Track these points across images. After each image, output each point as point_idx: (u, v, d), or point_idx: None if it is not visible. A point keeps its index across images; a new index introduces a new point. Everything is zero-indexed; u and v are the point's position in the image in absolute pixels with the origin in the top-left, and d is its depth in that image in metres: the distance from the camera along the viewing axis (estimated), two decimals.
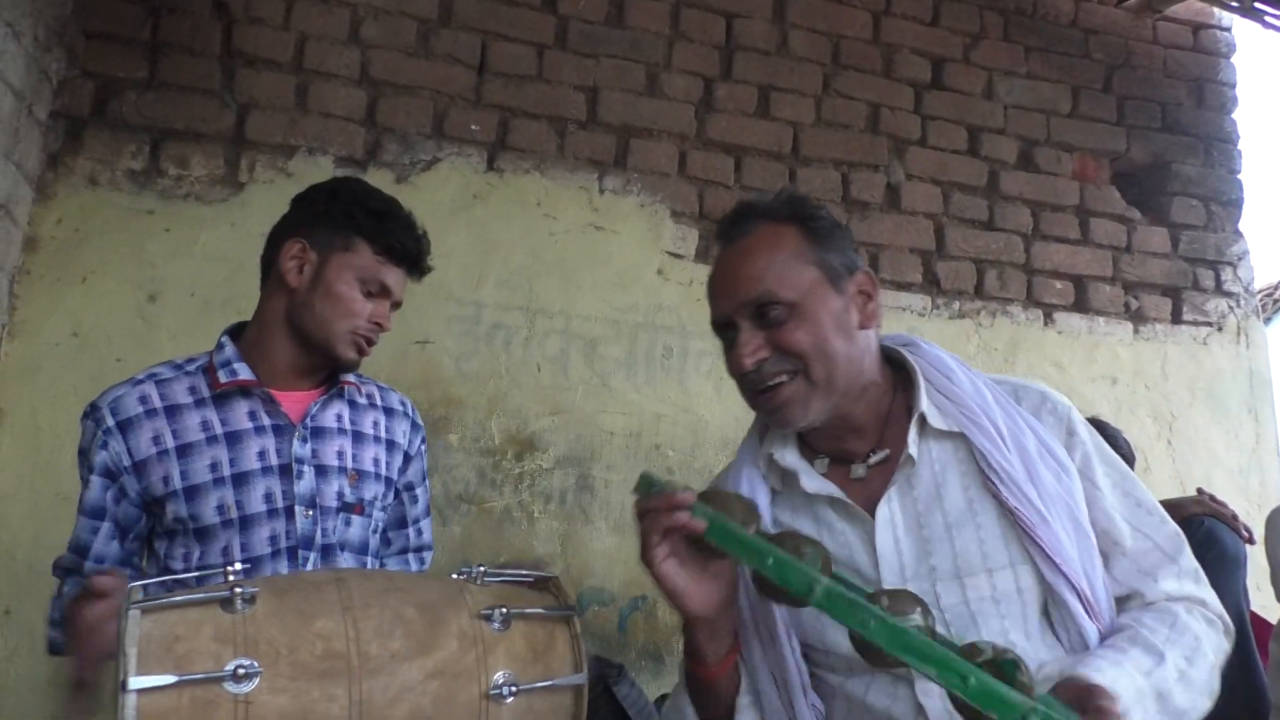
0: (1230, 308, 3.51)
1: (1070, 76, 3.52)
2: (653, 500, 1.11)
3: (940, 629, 1.10)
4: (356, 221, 1.61)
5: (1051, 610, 1.16)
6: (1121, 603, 1.20)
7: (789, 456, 1.28)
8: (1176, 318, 3.45)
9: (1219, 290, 3.51)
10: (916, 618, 1.02)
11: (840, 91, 3.27)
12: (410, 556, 1.82)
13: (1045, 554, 1.14)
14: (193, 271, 2.64)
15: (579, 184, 2.98)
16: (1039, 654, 1.13)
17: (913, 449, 1.21)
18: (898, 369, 1.30)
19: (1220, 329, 3.49)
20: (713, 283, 1.30)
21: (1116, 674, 1.06)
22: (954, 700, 0.97)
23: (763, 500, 1.28)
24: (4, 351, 2.49)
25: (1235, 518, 2.44)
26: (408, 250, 1.64)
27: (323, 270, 1.61)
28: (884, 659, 1.01)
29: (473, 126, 2.92)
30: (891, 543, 1.19)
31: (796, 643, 1.21)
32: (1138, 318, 3.42)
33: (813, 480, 1.25)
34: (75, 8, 2.66)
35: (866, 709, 1.18)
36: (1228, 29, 3.77)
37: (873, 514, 1.21)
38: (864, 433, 1.26)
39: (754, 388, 1.22)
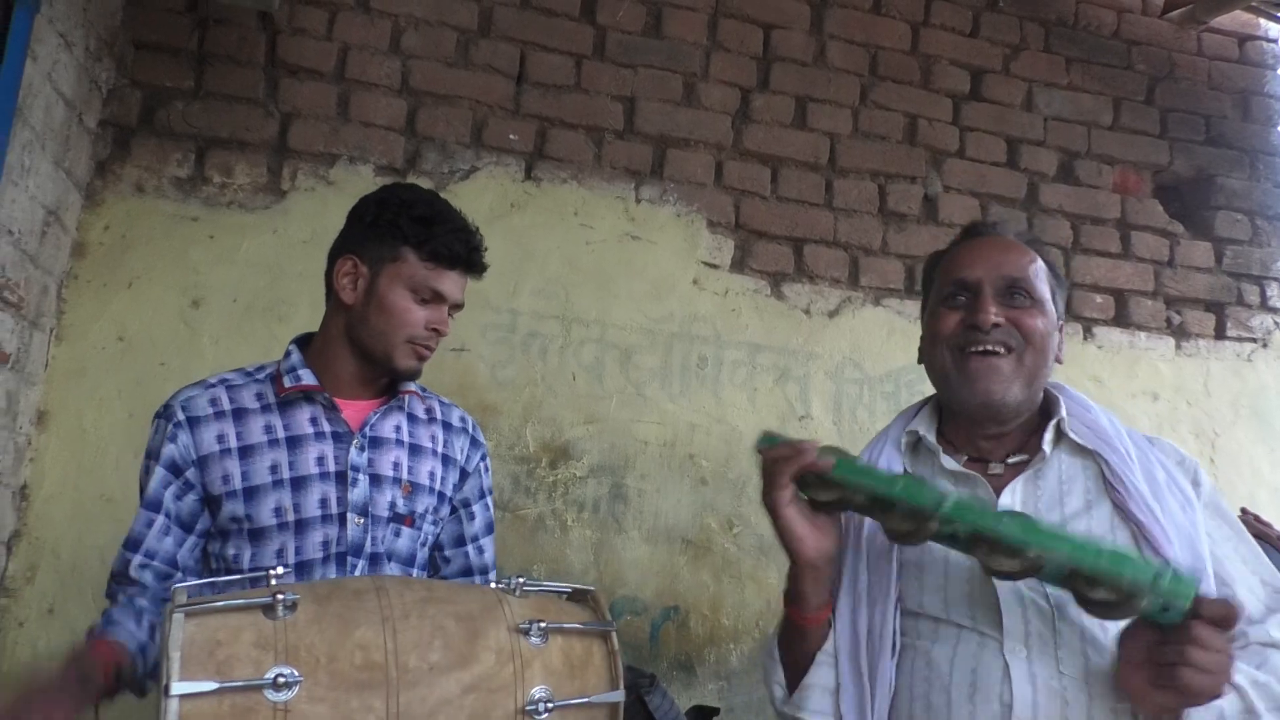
0: (1276, 323, 3.45)
1: (1112, 88, 3.48)
2: (780, 448, 1.22)
3: (1039, 599, 1.20)
4: (401, 231, 1.62)
5: None
6: None
7: (932, 437, 1.39)
8: (1220, 333, 3.40)
9: (1264, 306, 3.45)
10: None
11: (878, 102, 3.26)
12: (476, 578, 1.79)
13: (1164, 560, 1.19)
14: (235, 278, 2.68)
15: (616, 194, 2.99)
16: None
17: (1047, 447, 1.31)
18: (1042, 406, 1.40)
19: (1265, 345, 3.43)
20: (962, 253, 1.42)
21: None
22: (1074, 584, 1.07)
23: (896, 469, 1.37)
24: (51, 354, 2.54)
25: None
26: (455, 253, 1.65)
27: (375, 284, 1.62)
28: (1011, 566, 1.09)
29: (511, 136, 2.94)
30: None
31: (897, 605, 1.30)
32: (1180, 333, 3.37)
33: (950, 460, 1.35)
34: (125, 19, 2.71)
35: (952, 670, 1.23)
36: (1274, 41, 3.70)
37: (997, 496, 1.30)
38: (1007, 441, 1.36)
39: (972, 347, 1.33)
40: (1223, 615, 1.04)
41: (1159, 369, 3.32)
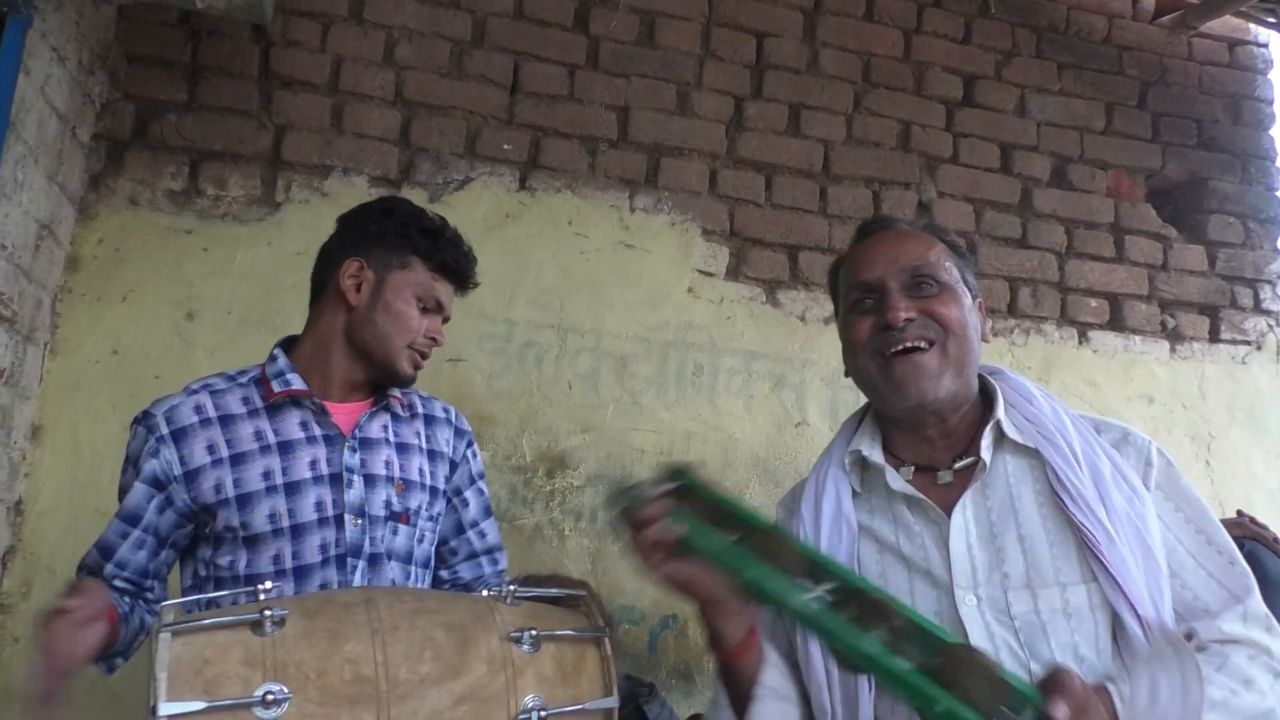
0: (1270, 326, 3.46)
1: (1104, 93, 3.49)
2: (631, 517, 1.13)
3: (1010, 638, 1.14)
4: (411, 240, 1.68)
5: (1116, 631, 1.15)
6: None
7: (876, 455, 1.32)
8: (1214, 336, 3.40)
9: (1257, 309, 3.46)
10: (878, 634, 1.03)
11: (871, 109, 3.26)
12: (483, 560, 1.84)
13: (1108, 573, 1.15)
14: (229, 290, 2.68)
15: (610, 203, 3.00)
16: (1109, 672, 1.13)
17: (986, 455, 1.25)
18: (983, 394, 1.35)
19: (1259, 348, 3.44)
20: (859, 255, 1.37)
21: (1134, 689, 1.07)
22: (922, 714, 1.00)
23: (845, 499, 1.32)
24: (45, 368, 2.54)
25: (1277, 540, 2.39)
26: (460, 266, 1.74)
27: (381, 288, 1.67)
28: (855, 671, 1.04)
29: (505, 146, 2.94)
30: (965, 547, 1.22)
31: None
32: (1174, 336, 3.37)
33: (897, 480, 1.29)
34: (118, 32, 2.71)
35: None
36: (1264, 45, 3.72)
37: (949, 518, 1.24)
38: (953, 440, 1.31)
39: (891, 348, 1.27)
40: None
41: (1154, 372, 3.32)
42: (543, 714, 1.03)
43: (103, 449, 2.52)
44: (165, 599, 1.46)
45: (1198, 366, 3.36)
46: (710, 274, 3.04)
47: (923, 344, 1.26)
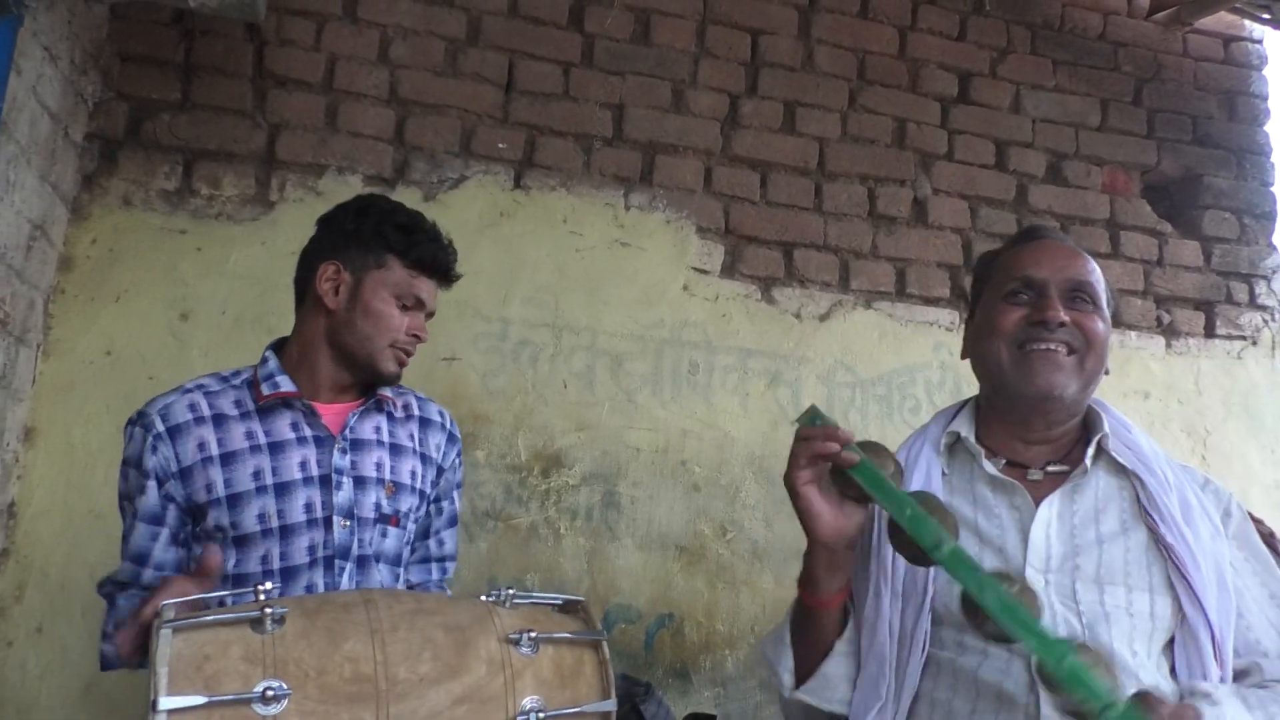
0: (1265, 321, 3.46)
1: (1099, 90, 3.50)
2: (814, 429, 1.20)
3: (1074, 620, 1.19)
4: (386, 238, 1.67)
5: (1180, 644, 1.21)
6: (1238, 676, 1.24)
7: (972, 440, 1.37)
8: (1210, 332, 3.41)
9: (1253, 304, 3.46)
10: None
11: (866, 107, 3.26)
12: (433, 566, 1.83)
13: (1190, 588, 1.20)
14: (224, 290, 2.67)
15: (605, 201, 2.99)
16: (1150, 677, 1.18)
17: (1088, 461, 1.30)
18: (1083, 420, 1.40)
19: (1255, 343, 3.44)
20: (1026, 253, 1.41)
21: (1218, 710, 1.12)
22: (1043, 676, 1.05)
23: (935, 476, 1.37)
24: (39, 370, 2.53)
25: (1273, 535, 2.40)
26: (438, 261, 1.71)
27: (359, 289, 1.66)
28: (986, 628, 1.08)
29: (500, 144, 2.93)
30: (1044, 536, 1.26)
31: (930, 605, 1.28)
32: (1170, 332, 3.37)
33: (990, 465, 1.34)
34: (110, 31, 2.70)
35: (978, 683, 1.22)
36: (1259, 41, 3.72)
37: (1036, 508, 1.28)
38: (1050, 448, 1.36)
39: (1034, 344, 1.32)
40: None
41: (1150, 368, 3.33)
42: (541, 716, 1.03)
43: (96, 451, 2.51)
44: None
45: (1193, 362, 3.37)
46: (705, 271, 3.03)
47: (1064, 349, 1.32)
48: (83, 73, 2.59)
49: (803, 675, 1.31)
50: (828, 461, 1.19)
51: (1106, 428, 1.33)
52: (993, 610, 1.05)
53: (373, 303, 1.65)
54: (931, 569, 1.26)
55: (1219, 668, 1.19)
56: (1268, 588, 1.28)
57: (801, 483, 1.20)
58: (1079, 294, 1.35)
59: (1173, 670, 1.22)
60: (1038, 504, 1.28)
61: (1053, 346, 1.31)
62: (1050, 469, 1.33)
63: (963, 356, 1.48)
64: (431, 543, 1.83)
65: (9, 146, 2.24)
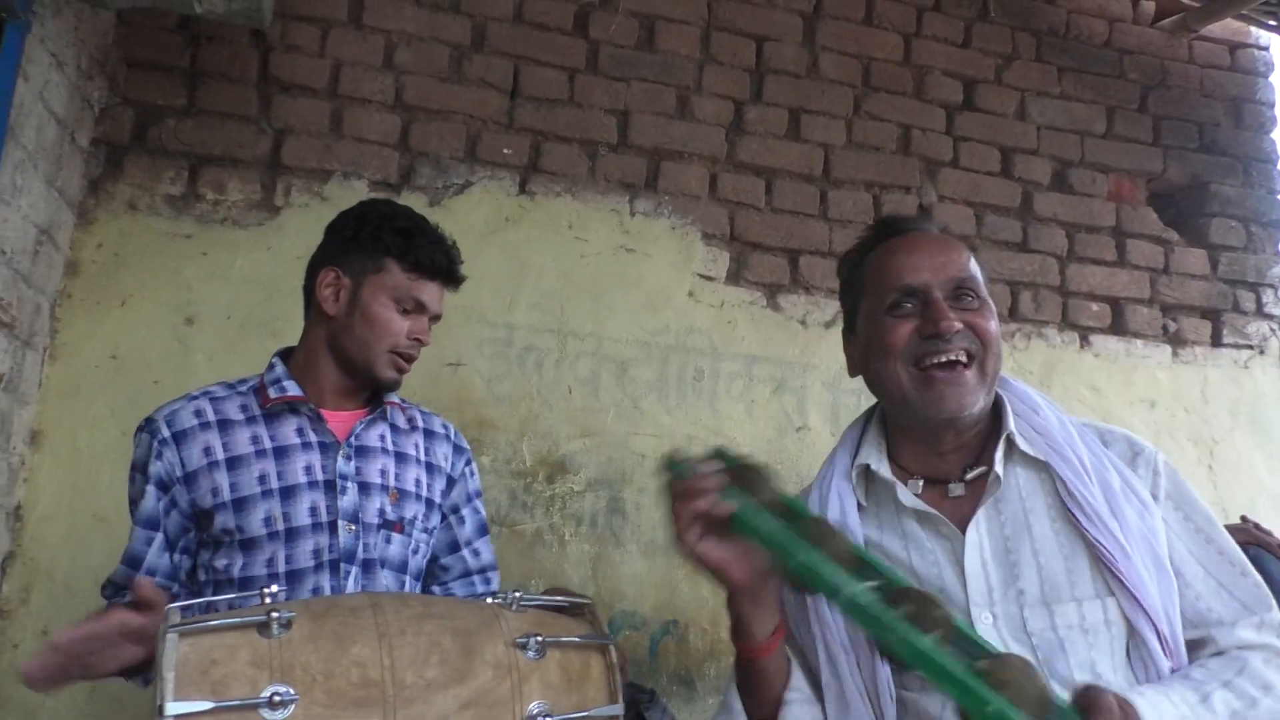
0: (1272, 330, 3.45)
1: (1105, 97, 3.49)
2: (682, 485, 1.11)
3: (1028, 656, 1.09)
4: (384, 242, 1.66)
5: (1131, 646, 1.15)
6: (1194, 649, 1.18)
7: (884, 469, 1.28)
8: (1216, 340, 3.40)
9: (1260, 313, 3.45)
10: (933, 638, 1.00)
11: (871, 113, 3.26)
12: (475, 579, 1.82)
13: (1126, 589, 1.14)
14: (229, 295, 2.67)
15: (610, 207, 2.99)
16: (1124, 688, 1.11)
17: (999, 468, 1.22)
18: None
19: (1262, 352, 3.43)
20: (899, 257, 1.30)
21: (1157, 699, 1.05)
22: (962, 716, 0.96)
23: (850, 513, 1.28)
24: (45, 374, 2.53)
25: None
26: (437, 264, 1.69)
27: (358, 295, 1.66)
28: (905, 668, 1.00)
29: (505, 150, 2.94)
30: (979, 564, 1.19)
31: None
32: (1176, 340, 3.37)
33: (908, 496, 1.26)
34: (117, 37, 2.71)
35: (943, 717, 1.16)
36: (1265, 48, 3.72)
37: (963, 534, 1.21)
38: (964, 452, 1.27)
39: (934, 358, 1.22)
40: None
41: (1156, 377, 3.32)
42: None
43: (102, 454, 2.51)
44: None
45: (1200, 371, 3.36)
46: (711, 278, 3.03)
47: (964, 357, 1.22)
48: (89, 78, 2.59)
49: None
50: (707, 520, 1.10)
51: (1011, 421, 1.25)
52: (906, 660, 0.98)
53: (372, 307, 1.64)
54: None
55: (1170, 660, 1.13)
56: (1214, 543, 1.21)
57: (692, 544, 1.10)
58: (963, 291, 1.25)
59: None
60: (964, 528, 1.21)
61: (952, 356, 1.21)
62: (970, 476, 1.25)
63: (851, 374, 1.38)
64: (466, 554, 1.82)
65: (16, 152, 2.24)
